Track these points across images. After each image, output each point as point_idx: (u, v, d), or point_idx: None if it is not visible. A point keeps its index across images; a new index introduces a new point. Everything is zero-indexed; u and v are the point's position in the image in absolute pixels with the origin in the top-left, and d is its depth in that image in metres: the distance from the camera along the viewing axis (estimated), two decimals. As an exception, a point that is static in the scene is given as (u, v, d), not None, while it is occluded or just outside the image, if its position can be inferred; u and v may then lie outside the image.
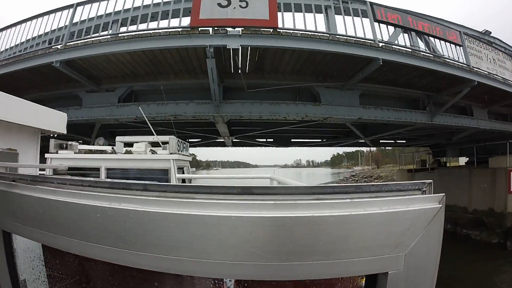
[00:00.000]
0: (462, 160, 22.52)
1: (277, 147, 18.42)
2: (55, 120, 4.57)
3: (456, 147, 21.41)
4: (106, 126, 13.18)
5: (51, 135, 5.03)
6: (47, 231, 1.06)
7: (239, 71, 8.39)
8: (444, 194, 0.86)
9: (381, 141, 20.46)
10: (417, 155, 27.17)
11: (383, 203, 0.84)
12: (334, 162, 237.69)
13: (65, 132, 4.69)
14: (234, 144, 17.40)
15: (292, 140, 18.16)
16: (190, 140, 15.59)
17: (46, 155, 6.08)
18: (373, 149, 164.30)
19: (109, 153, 6.67)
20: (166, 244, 0.86)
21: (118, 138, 7.09)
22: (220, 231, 0.82)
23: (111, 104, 9.31)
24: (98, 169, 6.21)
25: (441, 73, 9.42)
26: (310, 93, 9.13)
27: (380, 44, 7.77)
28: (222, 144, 17.69)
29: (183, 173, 7.05)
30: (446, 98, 11.40)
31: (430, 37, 9.67)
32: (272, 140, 17.62)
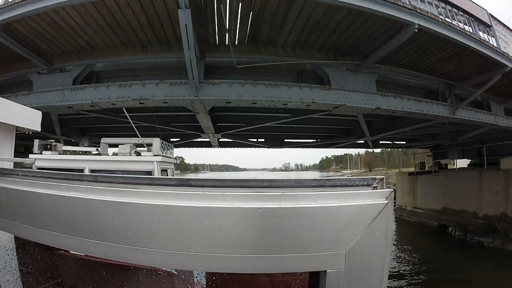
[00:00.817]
0: (463, 162, 21.14)
1: (268, 147, 16.44)
2: (30, 117, 4.52)
3: (459, 149, 20.15)
4: (81, 121, 11.36)
5: (27, 133, 4.80)
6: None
7: (226, 42, 6.42)
8: (392, 190, 0.80)
9: (380, 142, 18.85)
10: (413, 157, 25.78)
11: (319, 197, 0.79)
12: (323, 165, 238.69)
13: (39, 129, 4.52)
14: (221, 145, 15.35)
15: (285, 140, 16.31)
16: (172, 139, 13.65)
17: (30, 156, 6.13)
18: (362, 152, 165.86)
19: (94, 154, 6.60)
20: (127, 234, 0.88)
21: (103, 140, 6.89)
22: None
23: (63, 87, 7.25)
24: (82, 171, 6.09)
25: (471, 56, 7.91)
26: (316, 75, 7.23)
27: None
28: (208, 145, 15.58)
29: (167, 175, 6.78)
30: (467, 89, 9.95)
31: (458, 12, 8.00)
32: (263, 140, 15.69)
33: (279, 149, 18.13)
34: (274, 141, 15.90)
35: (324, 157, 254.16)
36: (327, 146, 17.35)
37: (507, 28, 10.38)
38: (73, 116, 10.49)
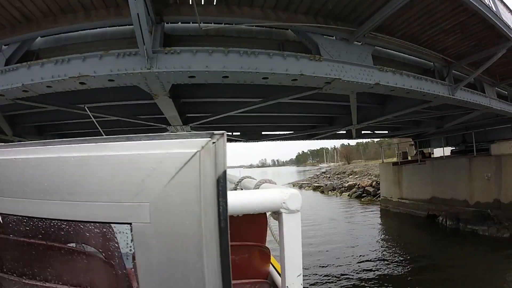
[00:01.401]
0: (441, 151, 20.68)
1: (245, 141, 14.94)
2: None
3: (443, 136, 19.57)
4: (37, 117, 9.57)
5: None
6: None
7: (190, 0, 4.89)
8: (209, 139, 0.72)
9: (363, 132, 17.88)
10: (397, 147, 25.16)
11: (126, 147, 0.75)
12: (299, 160, 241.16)
13: None
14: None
15: (262, 133, 14.90)
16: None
17: None
18: (338, 146, 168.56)
19: None
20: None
21: None
22: None
23: (-9, 70, 5.50)
24: None
25: (475, 26, 6.96)
26: (302, 46, 5.77)
27: None
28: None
29: None
30: (465, 69, 9.17)
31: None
32: (239, 133, 14.21)
33: (256, 143, 16.77)
34: (251, 134, 14.45)
35: (300, 152, 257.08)
36: (307, 137, 16.01)
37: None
38: (27, 111, 8.68)
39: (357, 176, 34.53)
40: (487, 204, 14.15)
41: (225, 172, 0.73)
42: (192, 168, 0.70)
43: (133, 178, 0.72)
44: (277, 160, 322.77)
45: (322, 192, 33.58)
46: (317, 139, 16.38)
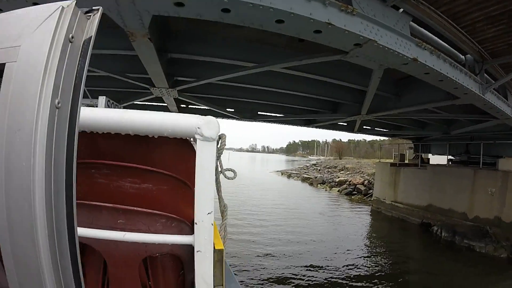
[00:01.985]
0: (441, 159, 19.81)
1: (239, 119, 13.61)
2: None
3: (444, 143, 18.63)
4: None
5: None
6: None
7: None
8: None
9: (364, 126, 16.77)
10: (394, 149, 24.19)
11: None
12: (289, 149, 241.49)
13: None
14: (180, 108, 12.34)
15: (258, 112, 13.62)
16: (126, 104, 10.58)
17: None
18: (329, 140, 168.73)
19: None
20: None
21: None
22: None
23: None
24: None
25: None
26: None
27: None
28: (165, 110, 12.54)
29: None
30: (495, 69, 8.05)
31: None
32: (232, 110, 12.89)
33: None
34: (246, 112, 13.17)
35: (291, 141, 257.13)
36: (306, 123, 14.73)
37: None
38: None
39: (348, 173, 33.46)
40: (486, 220, 13.21)
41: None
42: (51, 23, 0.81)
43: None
44: (267, 147, 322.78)
45: (311, 184, 32.46)
46: (315, 126, 15.09)
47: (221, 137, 1.41)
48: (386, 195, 18.58)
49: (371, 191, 24.19)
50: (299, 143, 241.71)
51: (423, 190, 16.14)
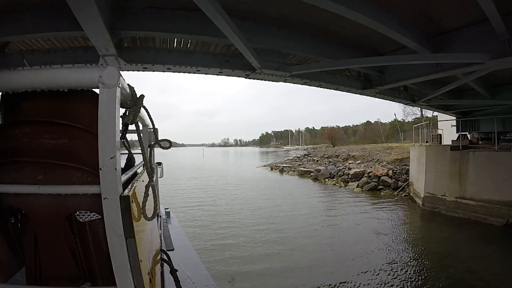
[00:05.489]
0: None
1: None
2: None
3: (492, 119, 14.88)
4: None
5: None
6: None
7: None
8: None
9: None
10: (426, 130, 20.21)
11: None
12: (263, 141, 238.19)
13: None
14: (129, 61, 6.92)
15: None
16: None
17: None
18: (302, 130, 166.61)
19: None
20: None
21: None
22: None
23: None
24: None
25: None
26: None
27: None
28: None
29: None
30: None
31: None
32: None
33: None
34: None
35: (264, 133, 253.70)
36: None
37: None
38: None
39: (359, 162, 29.08)
40: None
41: None
42: None
43: None
44: (239, 140, 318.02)
45: (315, 179, 27.42)
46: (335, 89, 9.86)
47: (139, 98, 1.51)
48: (446, 189, 14.19)
49: (401, 184, 20.02)
50: (272, 134, 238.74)
51: (506, 181, 12.05)
